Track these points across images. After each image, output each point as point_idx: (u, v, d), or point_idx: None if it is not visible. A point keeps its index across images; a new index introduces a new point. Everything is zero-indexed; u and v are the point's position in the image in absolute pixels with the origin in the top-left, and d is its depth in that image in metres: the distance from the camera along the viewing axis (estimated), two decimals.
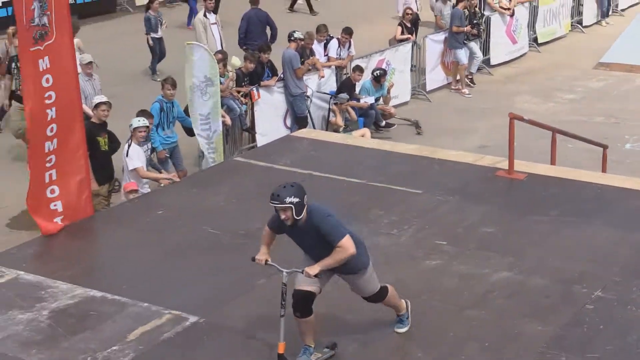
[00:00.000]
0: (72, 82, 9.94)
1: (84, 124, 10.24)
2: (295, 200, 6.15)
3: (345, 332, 7.06)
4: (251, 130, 14.69)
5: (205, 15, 17.25)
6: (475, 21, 18.32)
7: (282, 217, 6.18)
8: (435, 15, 19.83)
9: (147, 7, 19.04)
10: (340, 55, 16.48)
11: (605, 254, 8.70)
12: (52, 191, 9.72)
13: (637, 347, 6.99)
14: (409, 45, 17.86)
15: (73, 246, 9.53)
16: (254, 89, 14.40)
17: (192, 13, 21.24)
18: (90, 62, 13.78)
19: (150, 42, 18.23)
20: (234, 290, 8.27)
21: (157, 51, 18.54)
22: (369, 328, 7.09)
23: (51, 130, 9.63)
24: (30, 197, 9.76)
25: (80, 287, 8.33)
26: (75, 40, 13.71)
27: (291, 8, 25.49)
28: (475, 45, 18.42)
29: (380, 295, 6.67)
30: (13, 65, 13.78)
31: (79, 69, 12.59)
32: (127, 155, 11.09)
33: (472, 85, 18.46)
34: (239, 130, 14.45)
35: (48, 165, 9.69)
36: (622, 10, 24.73)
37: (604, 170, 12.36)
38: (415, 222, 9.57)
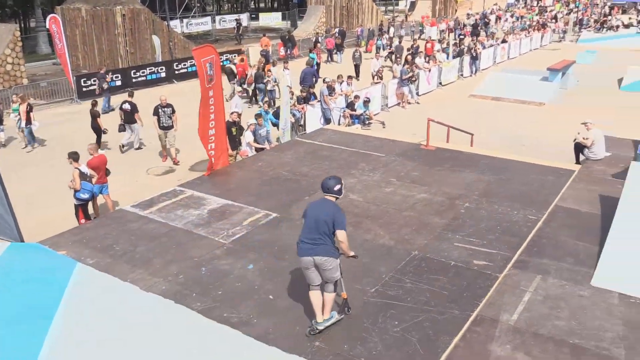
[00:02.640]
0: (221, 101, 10.92)
1: (225, 122, 11.34)
2: None
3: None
4: (303, 125, 15.39)
5: (283, 70, 19.01)
6: (413, 73, 20.06)
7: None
8: (393, 71, 21.42)
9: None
10: (347, 89, 17.58)
11: (471, 185, 9.86)
12: (212, 155, 10.83)
13: (485, 229, 8.16)
14: (380, 85, 19.36)
15: (218, 179, 10.47)
16: (305, 105, 15.49)
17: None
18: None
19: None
20: (294, 200, 9.33)
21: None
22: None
23: (212, 124, 10.69)
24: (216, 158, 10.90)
25: (221, 198, 9.39)
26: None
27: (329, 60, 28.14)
28: (412, 86, 20.12)
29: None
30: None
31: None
32: (244, 136, 12.44)
33: (410, 103, 19.87)
34: (298, 125, 15.00)
35: (210, 140, 10.74)
36: (483, 69, 26.29)
37: (471, 145, 13.31)
38: (381, 170, 10.72)
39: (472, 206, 9.08)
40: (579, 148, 11.81)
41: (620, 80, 23.59)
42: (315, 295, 6.02)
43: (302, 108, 15.36)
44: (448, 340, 5.82)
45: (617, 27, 39.04)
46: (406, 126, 16.39)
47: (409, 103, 20.06)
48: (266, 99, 16.49)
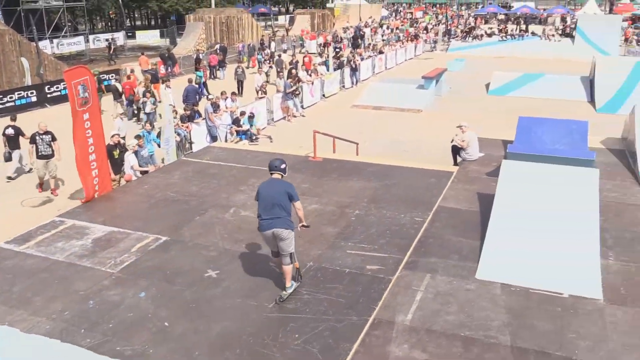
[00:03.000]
0: (99, 124, 10.44)
1: (105, 145, 10.85)
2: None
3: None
4: (189, 144, 15.00)
5: (165, 88, 18.84)
6: (296, 87, 20.24)
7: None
8: (277, 85, 21.74)
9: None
10: (232, 105, 17.40)
11: (359, 193, 10.12)
12: (95, 179, 10.35)
13: (375, 234, 8.32)
14: (264, 100, 19.40)
15: (102, 206, 9.97)
16: (190, 124, 15.18)
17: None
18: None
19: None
20: (184, 221, 9.08)
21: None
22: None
23: (92, 149, 10.26)
24: (84, 185, 10.37)
25: (106, 226, 8.98)
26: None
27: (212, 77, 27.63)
28: (296, 99, 20.24)
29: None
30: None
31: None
32: (126, 159, 11.88)
33: (295, 116, 20.05)
34: (184, 144, 14.66)
35: (92, 167, 10.29)
36: (363, 80, 27.23)
37: (357, 154, 13.83)
38: None
39: (362, 213, 9.32)
40: (456, 150, 12.52)
41: (487, 85, 25.41)
42: (276, 261, 7.14)
43: (187, 127, 15.05)
44: (348, 347, 5.90)
45: (481, 36, 42.07)
46: (293, 139, 16.50)
47: (295, 116, 20.29)
48: (147, 119, 15.98)
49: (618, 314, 6.50)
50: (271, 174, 6.97)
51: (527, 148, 10.92)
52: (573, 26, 40.44)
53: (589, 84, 23.52)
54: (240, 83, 24.33)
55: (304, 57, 27.62)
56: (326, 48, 36.71)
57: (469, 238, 8.34)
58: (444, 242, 8.29)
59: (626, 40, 42.32)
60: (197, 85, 19.96)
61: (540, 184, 8.55)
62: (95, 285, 7.23)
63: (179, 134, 14.12)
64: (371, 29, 47.09)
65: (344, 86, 26.20)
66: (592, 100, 22.43)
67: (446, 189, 10.39)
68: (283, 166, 6.97)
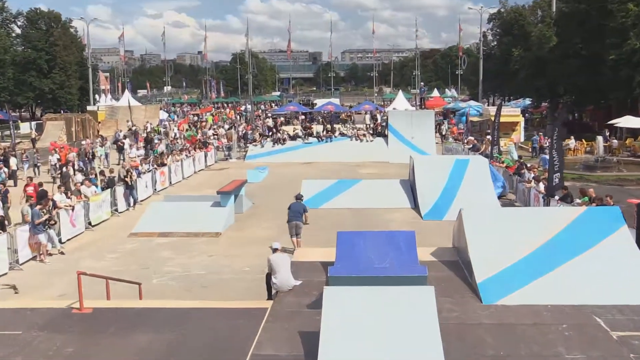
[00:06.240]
0: None
1: None
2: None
3: None
4: None
5: None
6: (50, 215, 19.15)
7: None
8: (23, 215, 19.94)
9: None
10: None
11: (146, 350, 9.85)
12: None
13: None
14: (3, 237, 17.93)
15: None
16: None
17: None
18: None
19: None
20: None
21: None
22: None
23: None
24: None
25: None
26: None
27: None
28: (52, 231, 19.12)
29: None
30: None
31: None
32: None
33: (51, 254, 18.96)
34: None
35: None
36: (142, 200, 27.24)
37: (141, 297, 13.70)
38: (19, 353, 9.93)
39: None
40: (270, 280, 12.73)
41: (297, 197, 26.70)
42: (294, 239, 18.47)
43: None
44: None
45: (284, 139, 44.71)
46: (50, 286, 15.94)
47: (50, 254, 19.35)
48: None
49: None
50: (296, 199, 19.28)
51: (351, 269, 11.54)
52: (384, 124, 44.90)
53: (410, 188, 25.91)
54: None
55: (25, 185, 25.15)
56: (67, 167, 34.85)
57: None
58: None
59: (442, 137, 48.13)
60: None
61: (370, 311, 9.00)
62: None
63: None
64: (143, 135, 47.28)
65: (117, 209, 25.72)
66: (416, 206, 24.64)
67: (260, 332, 10.43)
68: (303, 197, 19.71)
